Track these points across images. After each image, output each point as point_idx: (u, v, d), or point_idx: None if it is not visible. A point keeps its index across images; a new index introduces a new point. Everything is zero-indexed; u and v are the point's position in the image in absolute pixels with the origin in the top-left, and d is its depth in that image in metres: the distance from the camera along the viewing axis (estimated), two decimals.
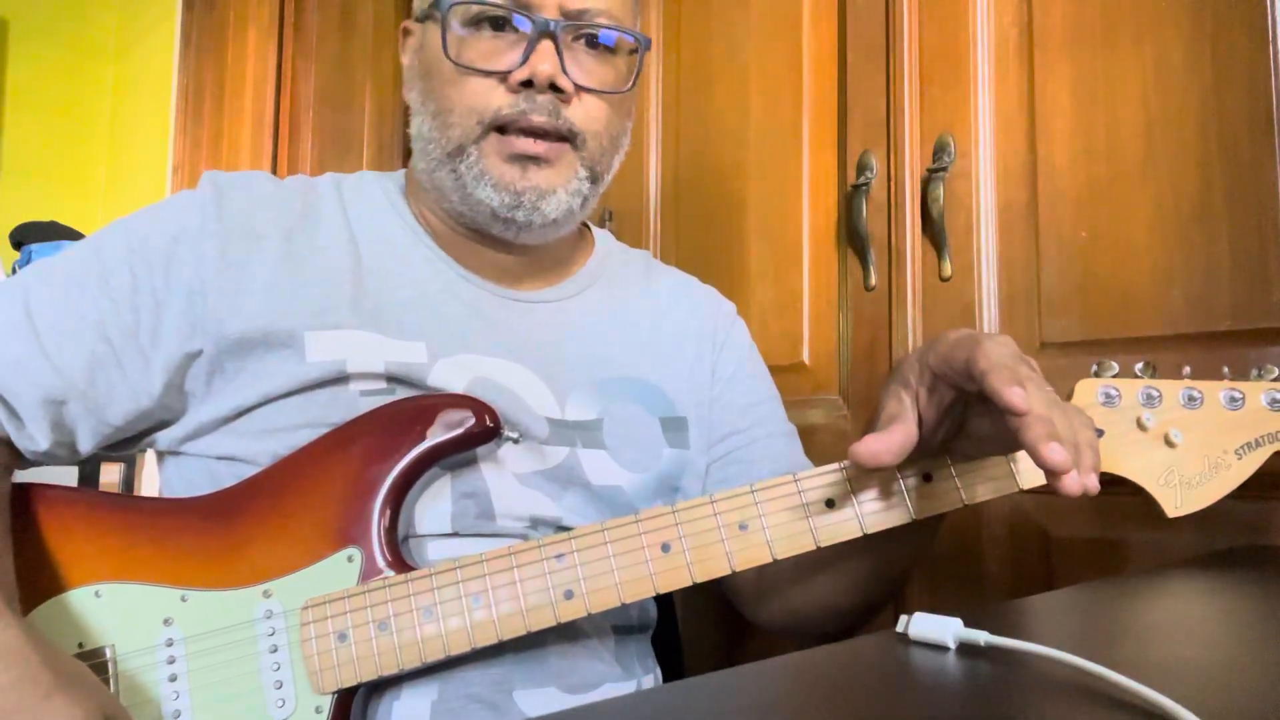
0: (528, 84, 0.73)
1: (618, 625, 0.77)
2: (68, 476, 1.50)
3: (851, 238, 1.10)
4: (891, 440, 0.59)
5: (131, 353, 0.71)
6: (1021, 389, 0.52)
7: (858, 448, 0.59)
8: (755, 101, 1.24)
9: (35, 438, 0.71)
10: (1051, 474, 0.51)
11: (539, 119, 0.73)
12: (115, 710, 0.59)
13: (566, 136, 0.75)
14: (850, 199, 1.10)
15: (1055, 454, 0.50)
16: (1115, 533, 0.87)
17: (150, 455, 1.83)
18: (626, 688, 0.75)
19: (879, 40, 1.10)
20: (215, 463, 0.73)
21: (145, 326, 0.71)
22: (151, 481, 2.14)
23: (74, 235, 2.21)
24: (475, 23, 0.74)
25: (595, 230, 0.93)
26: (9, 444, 0.72)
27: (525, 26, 0.73)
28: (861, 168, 1.09)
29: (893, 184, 1.08)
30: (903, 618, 0.49)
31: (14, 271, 2.13)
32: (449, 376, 0.73)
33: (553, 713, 0.39)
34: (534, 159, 0.74)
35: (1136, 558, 0.86)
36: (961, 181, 1.02)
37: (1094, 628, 0.51)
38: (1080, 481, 0.51)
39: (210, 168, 2.58)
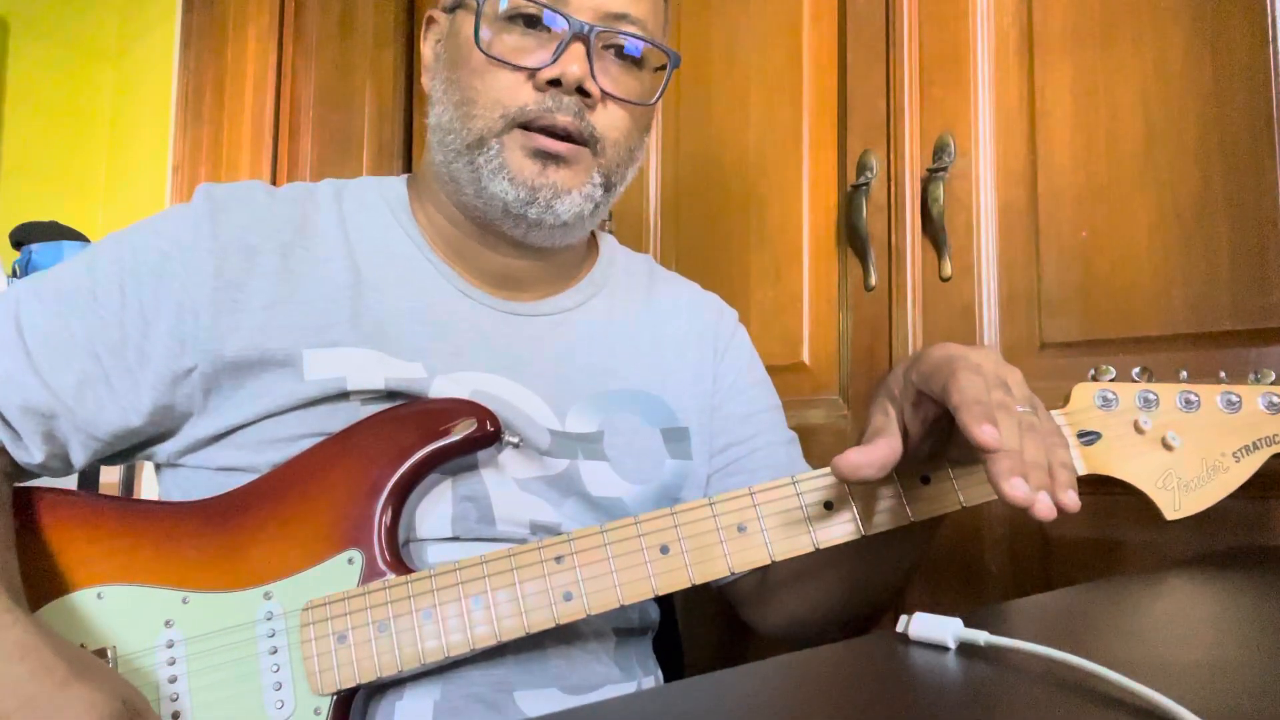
0: (555, 83, 0.73)
1: (618, 627, 0.77)
2: (68, 476, 1.50)
3: (851, 238, 1.10)
4: (874, 454, 0.59)
5: (120, 371, 0.71)
6: (992, 425, 0.53)
7: (839, 460, 0.59)
8: (755, 101, 1.24)
9: (30, 450, 0.71)
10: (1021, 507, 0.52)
11: (564, 119, 0.73)
12: (131, 694, 0.59)
13: (587, 140, 0.75)
14: (850, 199, 1.09)
15: (1016, 490, 0.52)
16: (1114, 533, 0.87)
17: None
18: (627, 689, 0.75)
19: (879, 40, 1.10)
20: (215, 474, 0.73)
21: (132, 343, 0.71)
22: (152, 482, 2.14)
23: (74, 235, 2.20)
24: (509, 17, 0.74)
25: (600, 236, 0.92)
26: (8, 453, 0.72)
27: (559, 26, 0.73)
28: (861, 168, 1.09)
29: (893, 184, 1.08)
30: (903, 618, 0.49)
31: (14, 272, 2.13)
32: (448, 392, 0.73)
33: (553, 713, 0.39)
34: (555, 157, 0.74)
35: (1135, 558, 0.86)
36: (961, 181, 1.02)
37: (1094, 628, 0.51)
38: (1049, 505, 0.52)
39: (210, 167, 2.58)
